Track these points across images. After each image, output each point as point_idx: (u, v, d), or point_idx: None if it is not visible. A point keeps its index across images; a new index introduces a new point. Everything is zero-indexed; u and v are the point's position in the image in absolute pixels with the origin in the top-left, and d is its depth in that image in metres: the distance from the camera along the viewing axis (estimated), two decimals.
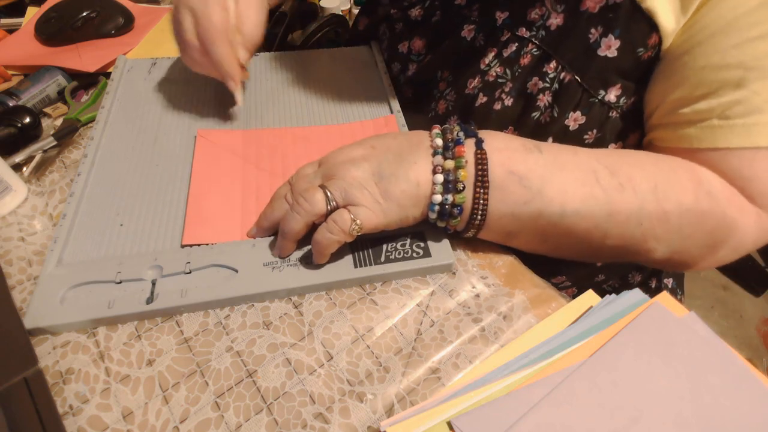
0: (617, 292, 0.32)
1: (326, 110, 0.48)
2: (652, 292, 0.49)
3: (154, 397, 0.29)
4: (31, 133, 0.45)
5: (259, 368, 0.30)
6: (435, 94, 0.47)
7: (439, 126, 0.34)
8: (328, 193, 0.32)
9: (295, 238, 0.34)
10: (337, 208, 0.32)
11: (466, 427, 0.26)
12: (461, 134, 0.33)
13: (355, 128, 0.46)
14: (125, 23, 0.60)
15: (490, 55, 0.41)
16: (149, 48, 0.58)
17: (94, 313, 0.31)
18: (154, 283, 0.33)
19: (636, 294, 0.31)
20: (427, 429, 0.26)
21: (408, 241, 0.36)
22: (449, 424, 0.26)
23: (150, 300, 0.32)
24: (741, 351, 0.28)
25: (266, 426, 0.28)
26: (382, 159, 0.33)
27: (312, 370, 0.30)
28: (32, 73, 0.51)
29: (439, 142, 0.33)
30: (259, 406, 0.29)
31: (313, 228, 0.33)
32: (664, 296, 0.31)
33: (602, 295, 0.32)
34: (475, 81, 0.43)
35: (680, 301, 0.35)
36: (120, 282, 0.33)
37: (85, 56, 0.55)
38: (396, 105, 0.48)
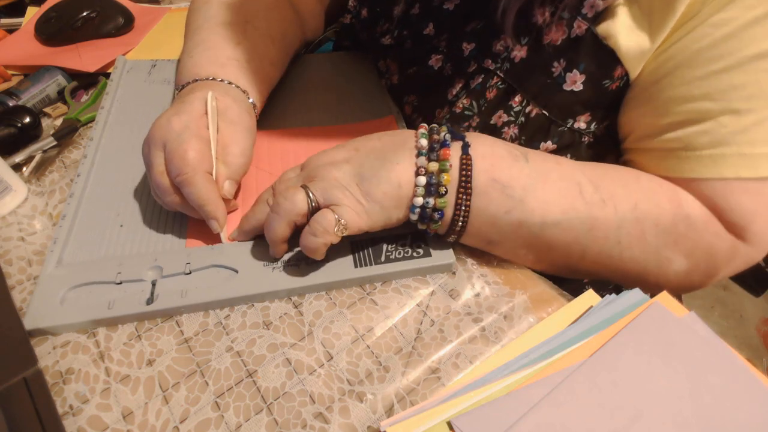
0: (616, 292, 0.32)
1: (326, 112, 0.48)
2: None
3: (154, 397, 0.29)
4: (31, 133, 0.45)
5: (259, 368, 0.30)
6: (404, 118, 0.47)
7: (426, 126, 0.33)
8: (309, 193, 0.31)
9: (279, 240, 0.33)
10: (318, 208, 0.32)
11: (466, 427, 0.26)
12: (448, 136, 0.32)
13: (355, 129, 0.46)
14: (125, 23, 0.60)
15: (458, 86, 0.41)
16: (149, 48, 0.58)
17: (94, 313, 0.31)
18: (154, 284, 0.33)
19: (636, 294, 0.31)
20: (427, 429, 0.26)
21: (408, 241, 0.36)
22: (449, 424, 0.26)
23: (150, 301, 0.32)
24: (741, 351, 0.28)
25: (266, 426, 0.28)
26: (364, 161, 0.32)
27: (312, 370, 0.30)
28: (32, 73, 0.51)
29: (424, 142, 0.32)
30: (259, 406, 0.29)
31: (299, 230, 0.33)
32: (664, 296, 0.31)
33: (602, 295, 0.32)
34: (444, 111, 0.42)
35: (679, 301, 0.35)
36: (120, 283, 0.33)
37: (85, 56, 0.55)
38: (395, 107, 0.48)
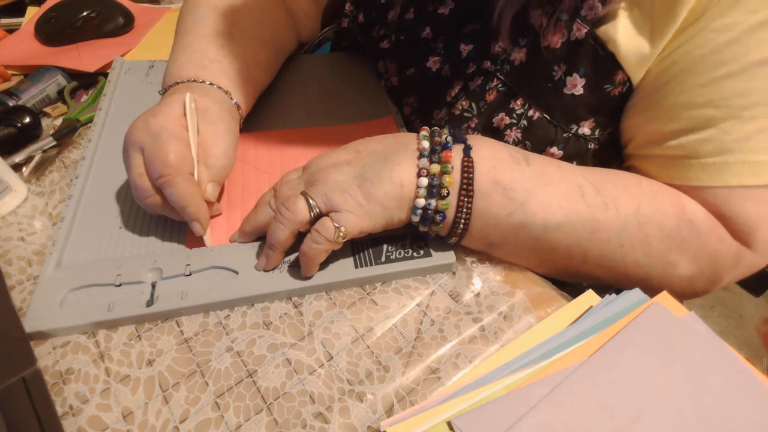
0: (617, 292, 0.32)
1: (325, 112, 0.48)
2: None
3: (154, 397, 0.29)
4: (31, 133, 0.45)
5: (259, 368, 0.30)
6: (403, 119, 0.47)
7: (427, 128, 0.34)
8: (310, 201, 0.31)
9: (282, 249, 0.33)
10: (320, 214, 0.32)
11: (466, 427, 0.26)
12: (449, 139, 0.32)
13: (354, 130, 0.46)
14: (125, 23, 0.60)
15: (457, 88, 0.41)
16: (149, 48, 0.58)
17: (93, 316, 0.31)
18: (154, 286, 0.33)
19: (636, 294, 0.31)
20: (427, 429, 0.26)
21: (408, 241, 0.36)
22: (449, 424, 0.26)
23: (150, 303, 0.32)
24: (741, 351, 0.28)
25: (266, 426, 0.28)
26: (365, 162, 0.32)
27: (312, 370, 0.30)
28: (32, 73, 0.51)
29: (426, 144, 0.32)
30: (259, 406, 0.29)
31: (301, 237, 0.33)
32: (664, 296, 0.31)
33: (602, 296, 0.32)
34: (442, 112, 0.42)
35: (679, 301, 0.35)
36: (120, 285, 0.33)
37: (84, 56, 0.55)
38: (394, 107, 0.48)
